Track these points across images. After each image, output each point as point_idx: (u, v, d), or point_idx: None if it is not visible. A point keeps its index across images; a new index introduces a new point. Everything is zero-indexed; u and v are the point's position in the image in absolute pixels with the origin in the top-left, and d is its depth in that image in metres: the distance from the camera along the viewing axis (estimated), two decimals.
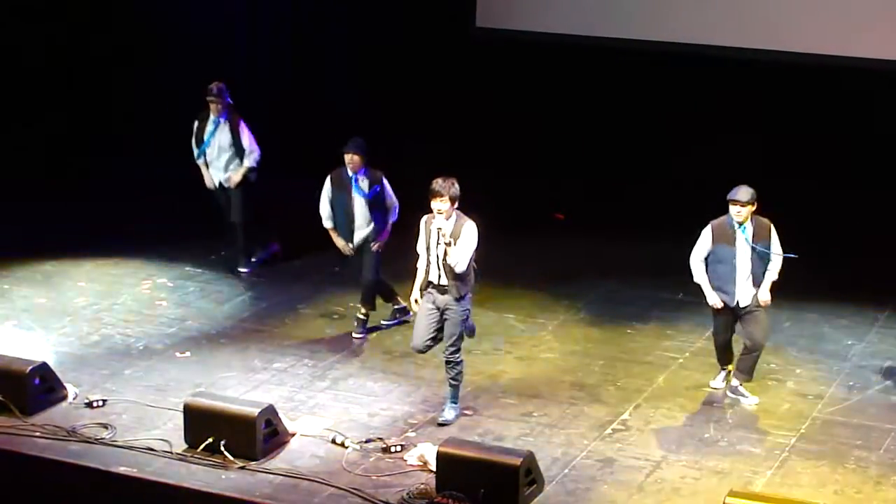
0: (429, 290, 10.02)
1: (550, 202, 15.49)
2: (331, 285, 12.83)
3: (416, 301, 10.12)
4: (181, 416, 9.66)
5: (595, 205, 15.17)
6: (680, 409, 10.46)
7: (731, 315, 10.44)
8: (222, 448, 9.38)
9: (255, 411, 9.49)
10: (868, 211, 14.32)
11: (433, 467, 9.12)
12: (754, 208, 10.22)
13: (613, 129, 15.64)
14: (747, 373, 10.57)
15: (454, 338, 10.00)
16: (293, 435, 9.80)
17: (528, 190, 15.48)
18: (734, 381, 10.62)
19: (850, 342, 11.87)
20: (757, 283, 10.31)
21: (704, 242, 10.32)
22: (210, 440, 9.43)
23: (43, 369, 10.26)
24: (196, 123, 13.03)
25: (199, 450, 9.46)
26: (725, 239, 10.23)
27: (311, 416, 10.17)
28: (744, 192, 10.16)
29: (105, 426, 9.88)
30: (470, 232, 9.87)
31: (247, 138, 12.93)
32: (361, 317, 11.81)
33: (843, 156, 14.75)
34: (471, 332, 10.33)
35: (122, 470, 9.31)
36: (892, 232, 13.97)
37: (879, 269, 13.44)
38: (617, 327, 12.16)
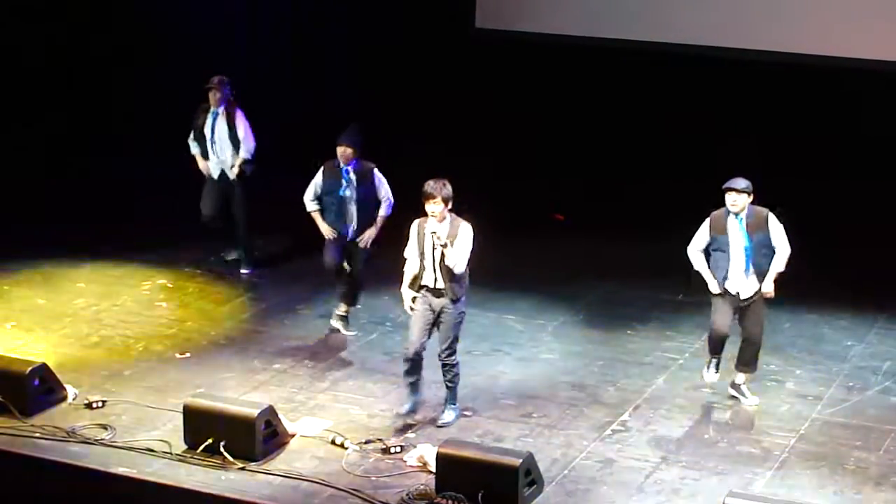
0: (423, 292, 9.94)
1: (550, 203, 15.48)
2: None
3: (411, 308, 9.99)
4: (181, 416, 9.66)
5: (595, 205, 15.17)
6: (679, 411, 10.46)
7: (731, 305, 10.31)
8: (222, 449, 9.39)
9: (255, 412, 9.49)
10: (868, 211, 14.32)
11: (433, 468, 9.12)
12: (751, 199, 10.18)
13: (613, 130, 15.65)
14: (749, 364, 10.53)
15: (450, 340, 9.98)
16: (293, 436, 9.80)
17: (528, 190, 15.48)
18: (737, 379, 10.58)
19: (849, 343, 11.87)
20: (761, 274, 10.24)
21: (703, 232, 10.31)
22: (210, 441, 9.43)
23: (42, 370, 10.25)
24: (196, 115, 13.03)
25: (198, 451, 9.46)
26: (721, 228, 10.21)
27: (311, 417, 10.17)
28: (740, 181, 10.13)
29: (105, 427, 9.88)
30: (466, 233, 9.86)
31: (242, 129, 12.93)
32: (344, 313, 11.82)
33: (843, 156, 14.75)
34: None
35: (121, 471, 9.32)
36: (893, 233, 13.96)
37: (879, 270, 13.44)
38: (616, 328, 12.16)
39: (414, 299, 9.98)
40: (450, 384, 10.11)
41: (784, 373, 11.21)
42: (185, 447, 9.57)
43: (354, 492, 9.04)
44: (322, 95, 16.68)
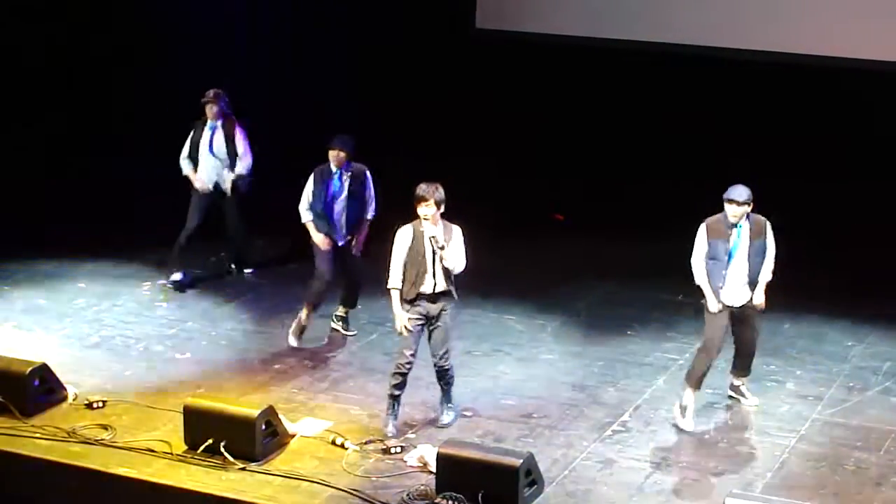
0: (416, 302, 9.82)
1: (550, 202, 15.49)
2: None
3: (405, 328, 9.83)
4: (181, 417, 9.66)
5: (595, 205, 15.17)
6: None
7: (726, 320, 10.17)
8: (222, 449, 9.38)
9: (255, 412, 9.48)
10: (868, 212, 14.33)
11: (433, 468, 9.12)
12: (750, 208, 10.09)
13: (613, 130, 15.66)
14: (746, 369, 10.50)
15: (447, 345, 9.95)
16: (293, 436, 9.80)
17: (528, 190, 15.49)
18: (735, 381, 10.57)
19: (849, 343, 11.87)
20: (753, 283, 10.14)
21: (701, 242, 10.13)
22: (210, 441, 9.43)
23: (43, 370, 10.25)
24: (193, 129, 12.98)
25: (199, 451, 9.46)
26: (720, 236, 10.05)
27: (311, 417, 10.17)
28: (740, 192, 9.94)
29: (105, 427, 9.88)
30: (459, 234, 9.83)
31: (242, 146, 12.92)
32: (343, 314, 11.84)
33: (843, 156, 14.76)
34: None
35: (121, 471, 9.32)
36: (893, 233, 13.97)
37: (879, 270, 13.45)
38: (617, 329, 12.16)
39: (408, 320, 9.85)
40: (446, 386, 10.11)
41: (784, 373, 11.21)
42: (185, 447, 9.57)
43: (354, 492, 9.04)
44: (322, 95, 16.68)
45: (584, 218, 15.06)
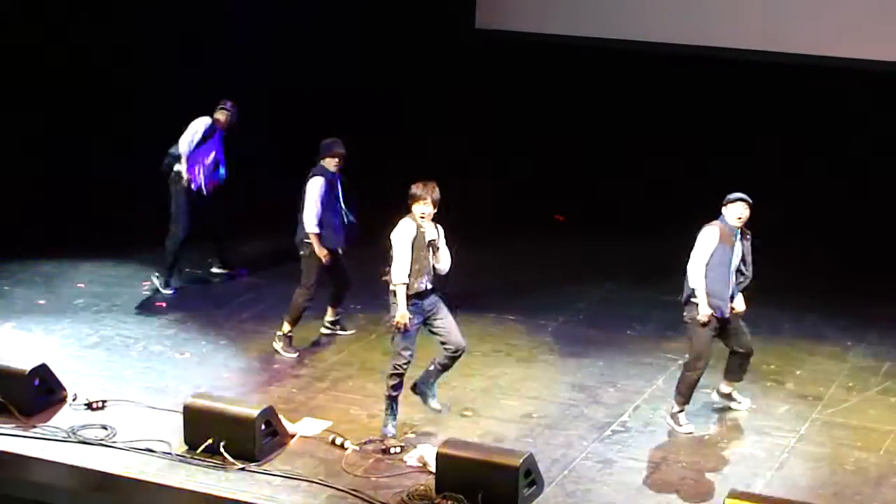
0: (412, 301, 9.77)
1: (551, 203, 15.48)
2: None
3: (405, 325, 9.77)
4: (181, 417, 9.66)
5: (595, 205, 15.17)
6: None
7: (713, 330, 9.99)
8: (222, 449, 9.38)
9: (255, 412, 9.49)
10: (868, 211, 14.34)
11: (433, 468, 9.12)
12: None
13: (613, 130, 15.65)
14: (740, 374, 10.43)
15: (457, 325, 9.92)
16: (293, 436, 9.80)
17: (529, 190, 15.48)
18: (726, 388, 10.49)
19: (849, 343, 11.87)
20: (735, 289, 10.03)
21: (709, 246, 9.86)
22: (210, 441, 9.43)
23: (42, 370, 10.25)
24: (205, 127, 12.88)
25: (198, 451, 9.46)
26: (727, 241, 9.88)
27: (311, 417, 10.17)
28: (745, 194, 9.84)
29: (105, 427, 9.88)
30: (443, 232, 9.83)
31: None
32: (334, 318, 11.86)
33: (843, 156, 14.77)
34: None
35: (121, 471, 9.31)
36: (893, 233, 13.98)
37: (879, 270, 13.45)
38: (617, 329, 12.16)
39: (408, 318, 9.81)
40: (446, 371, 10.10)
41: (784, 373, 11.21)
42: (185, 447, 9.57)
43: (354, 492, 9.04)
44: (322, 95, 16.68)
45: (584, 218, 15.06)
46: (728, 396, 10.50)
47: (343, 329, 11.89)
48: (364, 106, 16.16)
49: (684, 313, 10.04)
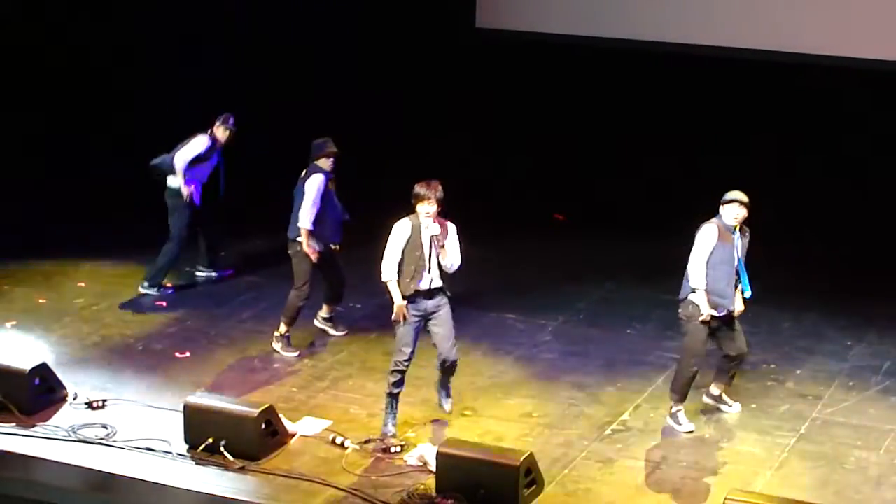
0: (414, 299, 9.77)
1: (551, 202, 15.48)
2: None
3: (404, 316, 9.79)
4: (181, 416, 9.67)
5: (595, 205, 15.17)
6: None
7: (708, 329, 9.97)
8: (222, 448, 9.39)
9: (255, 411, 9.49)
10: (868, 211, 14.34)
11: (433, 468, 9.12)
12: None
13: (613, 129, 15.66)
14: (728, 378, 10.40)
15: (453, 337, 9.94)
16: (293, 435, 9.81)
17: (528, 190, 15.49)
18: (714, 391, 10.46)
19: (849, 342, 11.88)
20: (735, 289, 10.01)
21: (709, 244, 9.84)
22: (210, 440, 9.44)
23: (43, 369, 10.26)
24: (206, 146, 12.86)
25: (199, 450, 9.47)
26: (727, 240, 9.86)
27: (311, 416, 10.17)
28: (741, 194, 9.82)
29: (105, 426, 9.88)
30: (454, 231, 9.83)
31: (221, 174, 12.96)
32: (329, 315, 11.85)
33: (840, 155, 14.77)
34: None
35: (121, 470, 9.32)
36: (893, 232, 13.98)
37: (878, 269, 13.46)
38: (617, 328, 12.17)
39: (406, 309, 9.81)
40: (451, 376, 10.12)
41: (784, 372, 11.22)
42: (185, 446, 9.58)
43: (354, 491, 9.04)
44: (322, 95, 16.68)
45: (584, 217, 15.06)
46: (718, 399, 10.48)
47: (334, 328, 11.86)
48: (364, 106, 16.16)
49: (679, 310, 10.03)
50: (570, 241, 14.45)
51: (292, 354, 11.40)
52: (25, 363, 10.23)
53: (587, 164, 15.64)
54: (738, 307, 10.10)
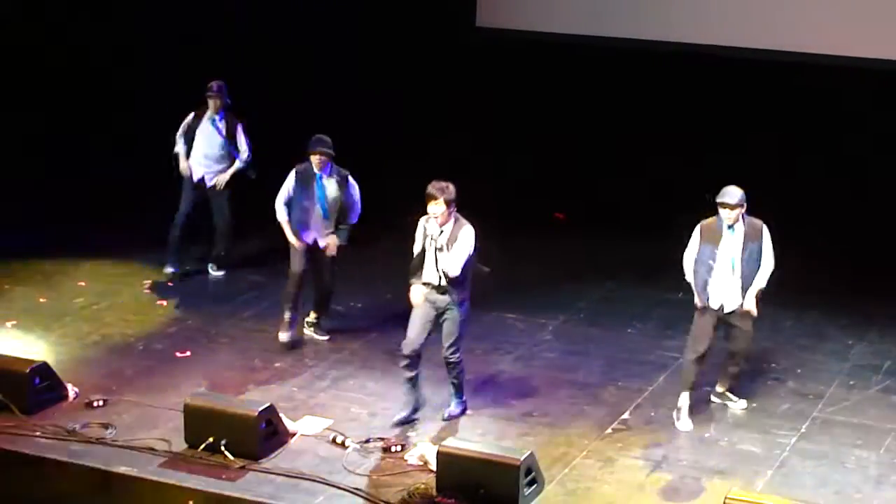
0: (428, 289, 9.91)
1: (551, 201, 15.48)
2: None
3: (416, 300, 9.93)
4: (181, 415, 9.66)
5: (596, 204, 15.16)
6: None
7: (713, 319, 10.10)
8: (222, 448, 9.38)
9: (256, 411, 9.49)
10: (868, 210, 14.34)
11: (433, 467, 9.12)
12: (744, 209, 10.00)
13: (613, 129, 15.65)
14: (735, 378, 10.46)
15: (454, 338, 9.97)
16: (293, 435, 9.80)
17: (529, 189, 15.48)
18: (719, 388, 10.51)
19: (850, 342, 11.87)
20: (745, 288, 10.05)
21: (694, 243, 10.16)
22: (210, 440, 9.43)
23: (43, 369, 10.25)
24: (190, 116, 13.00)
25: (199, 450, 9.46)
26: (712, 239, 10.00)
27: (312, 415, 10.16)
28: (732, 194, 9.89)
29: (105, 426, 9.88)
30: (466, 236, 9.81)
31: (242, 140, 12.94)
32: (314, 320, 11.78)
33: (843, 155, 14.77)
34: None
35: (122, 470, 9.31)
36: (894, 231, 13.98)
37: (879, 268, 13.45)
38: (617, 327, 12.16)
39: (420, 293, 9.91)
40: (455, 381, 10.14)
41: (785, 371, 11.21)
42: (185, 446, 9.57)
43: (355, 491, 9.04)
44: (322, 94, 16.68)
45: (585, 217, 15.05)
46: (723, 395, 10.54)
47: (316, 332, 11.78)
48: (364, 106, 16.15)
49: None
50: (571, 240, 14.44)
51: (285, 338, 11.43)
52: (26, 362, 10.23)
53: (587, 164, 15.64)
54: (746, 305, 10.10)
